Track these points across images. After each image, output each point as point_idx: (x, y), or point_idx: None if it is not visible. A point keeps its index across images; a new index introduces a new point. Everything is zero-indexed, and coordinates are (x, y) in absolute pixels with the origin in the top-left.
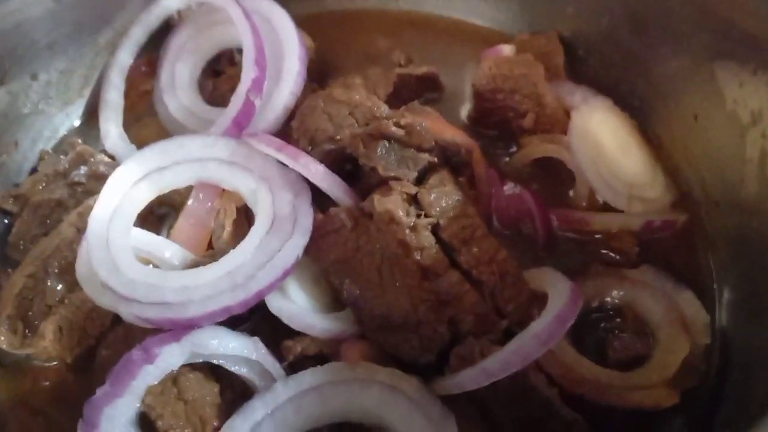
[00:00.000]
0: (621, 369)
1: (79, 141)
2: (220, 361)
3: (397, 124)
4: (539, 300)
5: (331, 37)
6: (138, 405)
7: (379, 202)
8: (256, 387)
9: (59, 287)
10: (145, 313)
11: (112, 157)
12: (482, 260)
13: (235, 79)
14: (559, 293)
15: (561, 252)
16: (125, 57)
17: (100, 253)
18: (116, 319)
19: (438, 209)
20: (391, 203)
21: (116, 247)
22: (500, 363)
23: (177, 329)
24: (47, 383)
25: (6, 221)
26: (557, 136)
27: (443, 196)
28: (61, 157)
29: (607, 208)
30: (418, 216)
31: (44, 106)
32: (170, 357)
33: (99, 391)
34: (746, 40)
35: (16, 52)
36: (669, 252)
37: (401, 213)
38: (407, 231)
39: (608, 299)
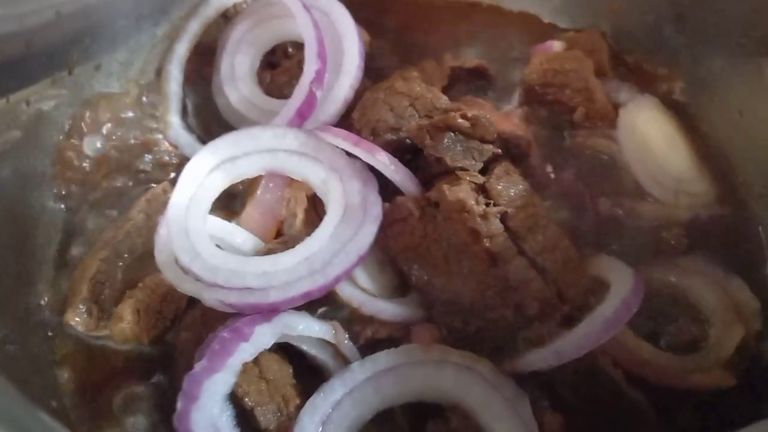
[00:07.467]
0: (675, 354)
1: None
2: (299, 343)
3: (464, 116)
4: (597, 286)
5: (376, 27)
6: (233, 381)
7: (450, 192)
8: (328, 368)
9: (130, 271)
10: (228, 299)
11: (174, 146)
12: (546, 247)
13: (292, 71)
14: (622, 279)
15: (612, 240)
16: (183, 49)
17: (181, 240)
18: (190, 301)
19: (506, 198)
20: (462, 192)
21: (195, 233)
22: (571, 345)
23: (262, 313)
24: (120, 364)
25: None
26: (606, 131)
27: (510, 186)
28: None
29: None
30: (487, 205)
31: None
32: (263, 336)
33: (198, 366)
34: None
35: (83, 43)
36: (717, 242)
37: (472, 202)
38: (478, 219)
39: (660, 286)
